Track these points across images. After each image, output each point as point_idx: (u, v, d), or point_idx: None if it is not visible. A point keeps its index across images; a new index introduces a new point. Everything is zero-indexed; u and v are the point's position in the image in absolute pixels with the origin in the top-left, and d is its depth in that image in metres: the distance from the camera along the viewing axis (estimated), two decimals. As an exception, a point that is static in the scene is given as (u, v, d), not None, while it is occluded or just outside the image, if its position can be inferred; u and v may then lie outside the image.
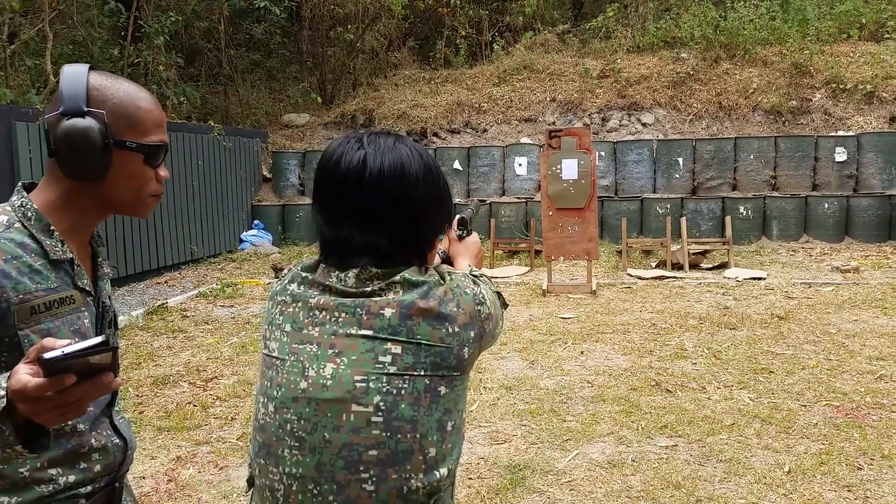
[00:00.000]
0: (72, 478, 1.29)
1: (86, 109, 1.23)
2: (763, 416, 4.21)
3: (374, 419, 1.16)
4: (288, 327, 1.25)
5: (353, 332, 1.19)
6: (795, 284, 7.87)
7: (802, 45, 11.99)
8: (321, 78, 14.29)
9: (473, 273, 1.37)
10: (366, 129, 1.35)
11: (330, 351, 1.20)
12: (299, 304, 1.25)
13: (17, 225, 1.25)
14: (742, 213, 10.22)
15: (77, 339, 1.21)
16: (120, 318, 5.32)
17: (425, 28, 15.64)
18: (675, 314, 6.69)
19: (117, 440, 1.37)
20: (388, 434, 1.16)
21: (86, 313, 1.31)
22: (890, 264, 8.88)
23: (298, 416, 1.19)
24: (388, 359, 1.17)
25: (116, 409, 1.40)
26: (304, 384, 1.20)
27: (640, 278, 8.44)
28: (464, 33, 14.53)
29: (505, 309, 1.46)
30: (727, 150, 10.88)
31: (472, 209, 1.75)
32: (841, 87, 11.53)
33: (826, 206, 10.17)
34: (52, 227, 1.27)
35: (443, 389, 1.20)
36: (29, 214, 1.27)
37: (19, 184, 1.32)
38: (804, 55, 11.85)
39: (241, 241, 10.99)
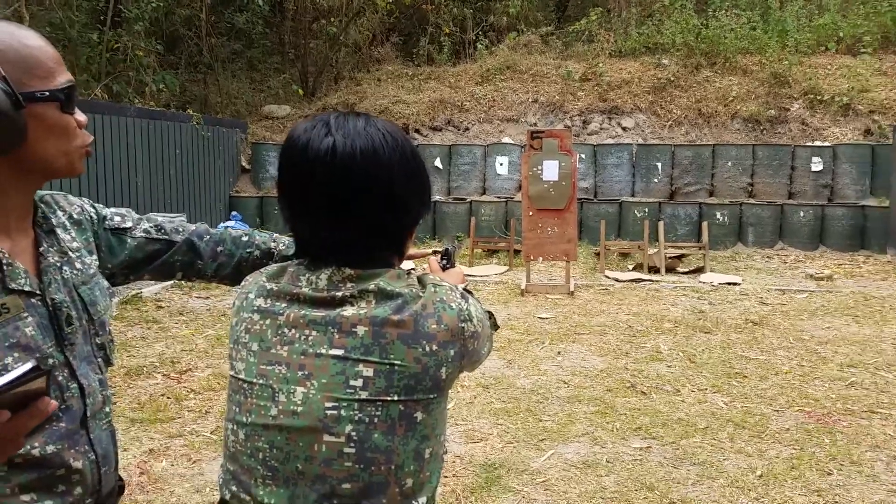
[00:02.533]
0: (49, 503, 1.12)
1: None
2: (736, 421, 4.25)
3: (346, 450, 1.09)
4: (255, 346, 1.15)
5: (324, 351, 1.10)
6: (770, 290, 7.98)
7: (782, 56, 12.15)
8: (303, 70, 14.19)
9: (466, 289, 1.27)
10: (334, 111, 1.20)
11: (300, 373, 1.11)
12: (267, 322, 1.15)
13: None
14: (719, 219, 10.33)
15: (18, 354, 1.05)
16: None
17: (409, 24, 15.59)
18: (651, 317, 6.75)
19: (93, 455, 1.18)
20: (362, 466, 1.09)
21: (28, 319, 1.09)
22: (862, 273, 9.03)
23: (270, 444, 1.12)
24: (360, 382, 1.08)
25: (100, 417, 1.22)
26: (274, 410, 1.11)
27: (617, 280, 8.50)
28: (448, 31, 14.52)
29: (496, 331, 1.36)
30: (705, 157, 10.99)
31: (455, 245, 1.69)
32: (818, 98, 11.70)
33: (801, 214, 10.32)
34: None
35: (419, 415, 1.12)
36: None
37: None
38: (783, 65, 12.01)
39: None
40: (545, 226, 8.09)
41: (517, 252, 9.38)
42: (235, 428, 1.16)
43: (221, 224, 10.87)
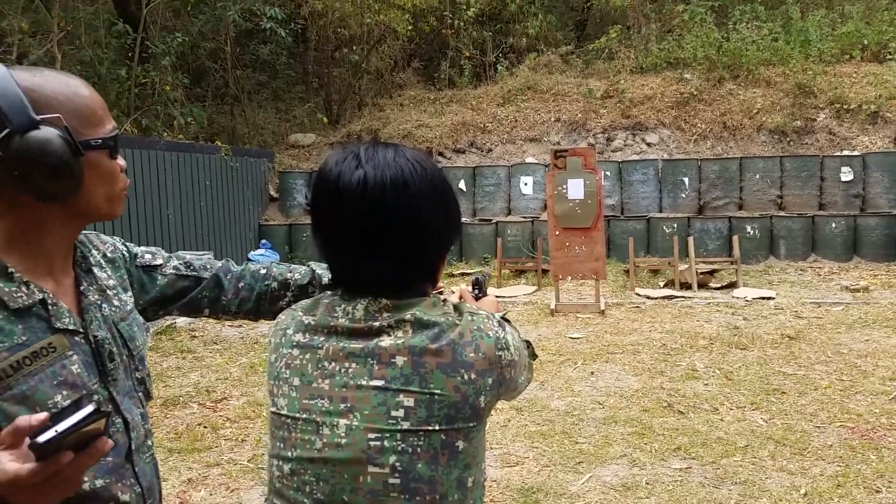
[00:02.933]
0: None
1: (38, 118, 1.04)
2: (777, 438, 4.17)
3: (391, 481, 1.10)
4: (296, 381, 1.16)
5: (364, 383, 1.12)
6: (805, 304, 7.85)
7: (805, 66, 12.05)
8: (327, 98, 14.38)
9: (504, 318, 1.27)
10: (363, 142, 1.21)
11: (342, 406, 1.12)
12: (307, 356, 1.16)
13: None
14: (749, 233, 10.20)
15: (66, 391, 1.09)
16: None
17: (430, 49, 15.75)
18: (685, 334, 6.66)
19: (138, 489, 1.22)
20: (407, 496, 1.10)
21: (73, 357, 1.12)
22: (898, 284, 8.85)
23: (316, 477, 1.13)
24: (401, 413, 1.10)
25: (143, 450, 1.26)
26: (319, 443, 1.13)
27: (648, 298, 8.42)
28: (468, 54, 14.63)
29: (533, 360, 1.37)
30: (732, 170, 10.89)
31: (485, 274, 1.70)
32: (845, 107, 11.56)
33: (833, 225, 10.15)
34: (11, 269, 1.09)
35: (461, 444, 1.13)
36: None
37: None
38: (807, 76, 11.90)
39: (249, 260, 11.00)
40: (572, 245, 8.06)
41: (545, 272, 9.34)
42: (280, 463, 1.17)
43: (252, 252, 11.05)
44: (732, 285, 8.82)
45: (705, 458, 3.94)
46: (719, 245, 10.29)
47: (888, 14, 13.15)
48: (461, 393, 1.11)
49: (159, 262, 1.44)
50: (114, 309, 1.25)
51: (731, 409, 4.68)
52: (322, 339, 1.16)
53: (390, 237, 1.14)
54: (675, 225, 10.33)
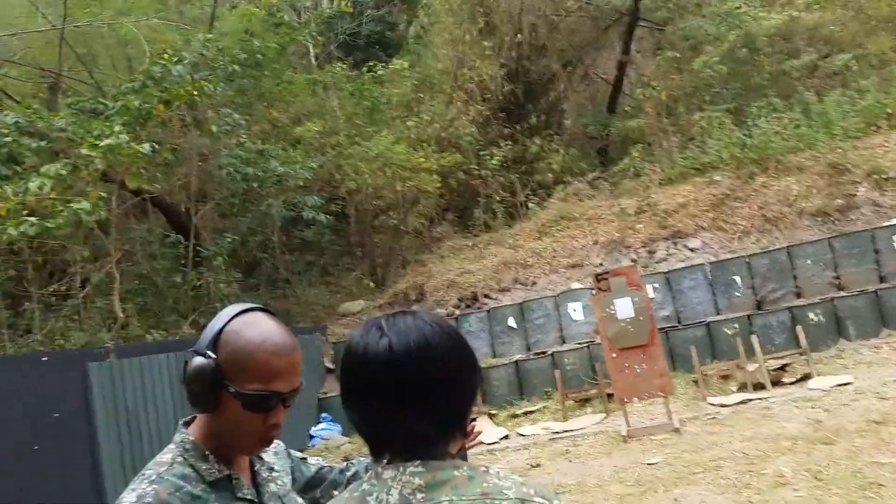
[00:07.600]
0: None
1: (207, 352, 1.42)
2: (880, 538, 3.82)
3: None
4: None
5: None
6: (886, 383, 7.37)
7: (834, 145, 12.03)
8: (371, 264, 14.86)
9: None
10: (383, 315, 1.35)
11: None
12: None
13: (179, 459, 1.45)
14: (813, 320, 9.76)
15: None
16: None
17: (462, 200, 16.30)
18: (766, 438, 6.29)
19: None
20: None
21: None
22: None
23: None
24: None
25: None
26: None
27: (722, 406, 8.04)
28: (499, 198, 15.08)
29: None
30: (782, 260, 10.66)
31: None
32: (883, 176, 11.40)
33: (900, 296, 9.69)
34: (208, 452, 1.46)
35: None
36: (188, 447, 1.47)
37: (181, 421, 1.54)
38: (837, 154, 11.86)
39: (311, 437, 10.95)
40: (632, 364, 7.86)
41: (611, 396, 9.05)
42: None
43: (313, 428, 11.01)
44: (807, 377, 8.38)
45: (805, 572, 3.62)
46: (785, 338, 9.82)
47: (902, 81, 13.24)
48: None
49: (306, 456, 1.86)
50: (279, 486, 1.61)
51: (825, 513, 4.34)
52: None
53: (421, 393, 1.19)
54: (737, 325, 9.99)
